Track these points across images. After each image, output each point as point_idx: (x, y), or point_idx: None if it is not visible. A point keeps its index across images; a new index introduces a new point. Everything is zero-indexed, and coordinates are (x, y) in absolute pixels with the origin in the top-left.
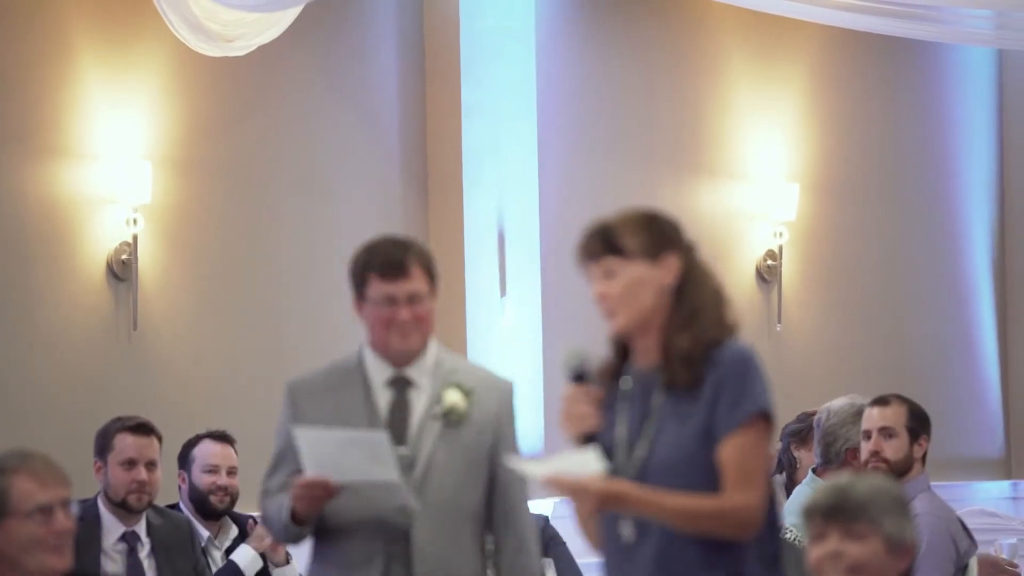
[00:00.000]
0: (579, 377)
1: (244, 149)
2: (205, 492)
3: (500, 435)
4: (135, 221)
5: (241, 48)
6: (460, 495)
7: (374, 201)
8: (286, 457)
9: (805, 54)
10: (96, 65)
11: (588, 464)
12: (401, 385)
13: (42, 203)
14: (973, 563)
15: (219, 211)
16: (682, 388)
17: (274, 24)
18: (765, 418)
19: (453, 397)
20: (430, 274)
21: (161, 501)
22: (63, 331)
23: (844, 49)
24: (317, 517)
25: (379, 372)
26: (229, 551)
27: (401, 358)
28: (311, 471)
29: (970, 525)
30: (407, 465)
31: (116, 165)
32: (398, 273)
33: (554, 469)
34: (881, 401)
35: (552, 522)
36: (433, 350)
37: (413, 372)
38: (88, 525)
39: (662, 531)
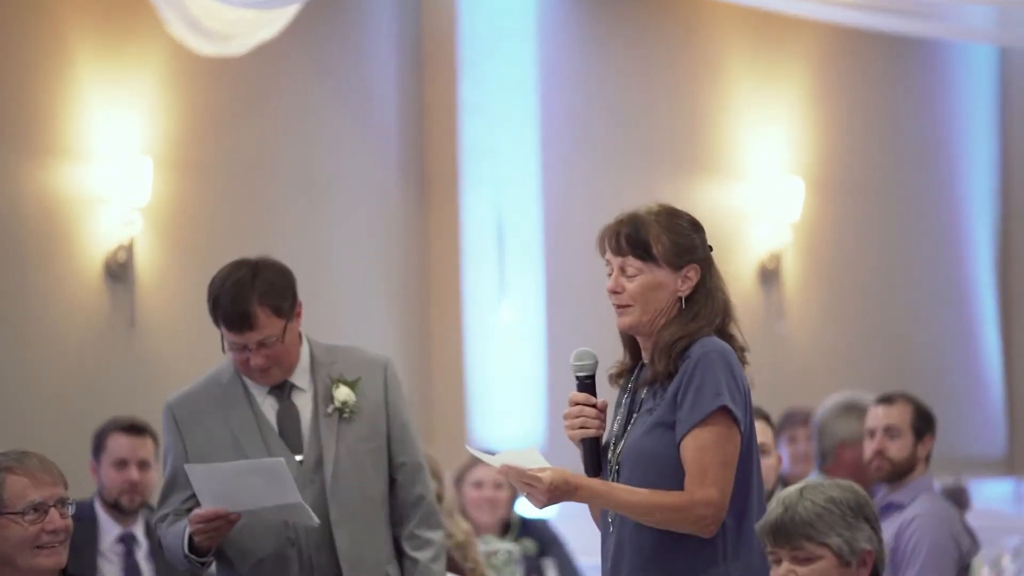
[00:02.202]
0: (588, 379)
1: (241, 148)
2: None
3: (392, 415)
4: (133, 222)
5: (238, 46)
6: (369, 486)
7: (372, 200)
8: (177, 482)
9: (807, 52)
10: (93, 64)
11: (534, 461)
12: (284, 391)
13: (39, 203)
14: (976, 563)
15: (216, 210)
16: (661, 381)
17: (272, 22)
18: (728, 414)
19: (342, 393)
20: (279, 311)
21: None
22: (61, 331)
23: (846, 47)
24: (216, 546)
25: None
26: None
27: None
28: (208, 504)
29: (972, 524)
30: (311, 468)
31: (114, 165)
32: (242, 326)
33: (503, 461)
34: (886, 400)
35: (552, 524)
36: (305, 350)
37: (292, 377)
38: (85, 526)
39: (623, 517)
